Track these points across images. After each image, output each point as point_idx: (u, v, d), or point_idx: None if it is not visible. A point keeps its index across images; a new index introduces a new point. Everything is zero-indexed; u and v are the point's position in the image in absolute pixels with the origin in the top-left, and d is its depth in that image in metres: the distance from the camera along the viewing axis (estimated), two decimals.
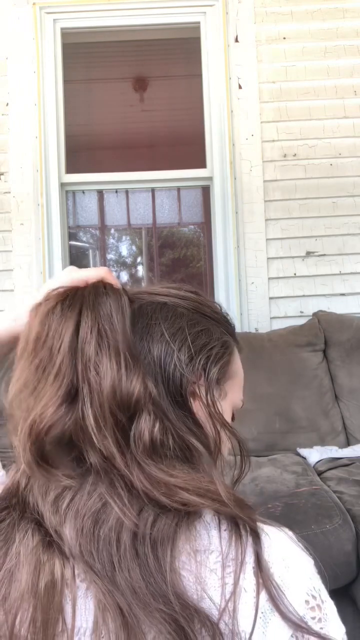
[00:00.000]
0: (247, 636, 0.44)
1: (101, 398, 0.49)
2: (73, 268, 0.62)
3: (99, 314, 0.53)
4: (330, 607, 0.47)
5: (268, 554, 0.47)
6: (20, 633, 0.44)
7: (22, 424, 0.50)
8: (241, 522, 0.48)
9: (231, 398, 0.61)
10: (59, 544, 0.47)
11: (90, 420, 0.49)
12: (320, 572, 0.49)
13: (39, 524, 0.48)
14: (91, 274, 0.59)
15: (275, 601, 0.44)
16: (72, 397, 0.50)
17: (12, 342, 0.61)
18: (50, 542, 0.47)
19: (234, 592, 0.45)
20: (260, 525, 0.50)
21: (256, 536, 0.47)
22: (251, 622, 0.44)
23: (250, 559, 0.46)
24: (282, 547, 0.48)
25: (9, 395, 0.52)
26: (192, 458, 0.52)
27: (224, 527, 0.48)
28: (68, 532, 0.47)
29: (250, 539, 0.47)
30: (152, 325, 0.57)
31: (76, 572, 0.46)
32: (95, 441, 0.48)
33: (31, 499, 0.50)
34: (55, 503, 0.49)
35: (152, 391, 0.52)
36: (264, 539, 0.48)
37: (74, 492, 0.49)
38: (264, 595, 0.45)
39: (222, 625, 0.44)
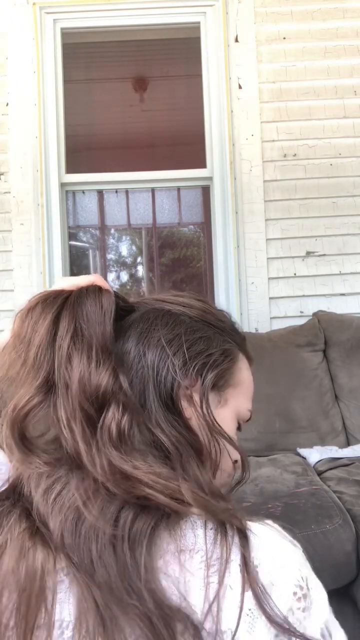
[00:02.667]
0: (232, 634, 0.44)
1: (70, 391, 0.51)
2: (65, 277, 0.65)
3: (77, 312, 0.55)
4: (316, 592, 0.47)
5: (255, 552, 0.47)
6: (2, 619, 0.44)
7: (6, 409, 0.53)
8: (227, 521, 0.48)
9: (234, 407, 0.61)
10: (45, 533, 0.48)
11: (61, 413, 0.51)
12: (308, 559, 0.50)
13: (28, 512, 0.49)
14: (81, 280, 0.61)
15: (261, 603, 0.45)
16: (48, 388, 0.53)
17: None
18: (36, 530, 0.48)
19: (218, 591, 0.45)
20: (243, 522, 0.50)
21: (243, 535, 0.47)
22: (236, 620, 0.44)
23: (236, 557, 0.46)
24: (268, 542, 0.48)
25: None
26: (170, 455, 0.52)
27: (210, 526, 0.48)
28: (52, 524, 0.48)
29: (236, 538, 0.47)
30: (151, 330, 0.58)
31: (58, 564, 0.46)
32: (64, 433, 0.50)
33: (26, 488, 0.51)
34: (45, 494, 0.50)
35: (124, 384, 0.53)
36: (250, 536, 0.48)
37: (62, 485, 0.50)
38: (249, 594, 0.45)
39: (207, 625, 0.44)
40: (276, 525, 0.51)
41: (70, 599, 0.46)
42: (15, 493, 0.52)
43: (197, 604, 0.45)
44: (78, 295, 0.57)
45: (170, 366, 0.56)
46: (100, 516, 0.47)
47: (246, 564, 0.46)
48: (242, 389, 0.63)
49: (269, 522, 0.51)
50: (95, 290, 0.58)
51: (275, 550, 0.48)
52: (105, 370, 0.52)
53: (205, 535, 0.48)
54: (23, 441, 0.52)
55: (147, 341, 0.57)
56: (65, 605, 0.45)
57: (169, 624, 0.43)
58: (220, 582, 0.45)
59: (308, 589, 0.47)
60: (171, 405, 0.55)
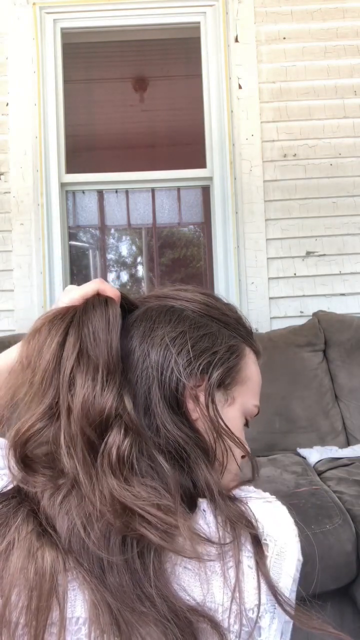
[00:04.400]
0: (257, 611, 0.46)
1: (73, 416, 0.50)
2: (72, 287, 0.63)
3: (83, 331, 0.53)
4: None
5: (261, 526, 0.50)
6: (12, 618, 0.44)
7: (10, 431, 0.53)
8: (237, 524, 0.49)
9: (242, 404, 0.60)
10: (52, 535, 0.47)
11: (63, 439, 0.50)
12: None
13: (34, 512, 0.49)
14: (87, 289, 0.60)
15: (275, 592, 0.47)
16: (52, 414, 0.52)
17: None
18: (43, 531, 0.48)
19: (237, 574, 0.47)
20: (249, 506, 0.52)
21: (256, 541, 0.48)
22: (257, 599, 0.46)
23: (248, 552, 0.48)
24: (269, 516, 0.52)
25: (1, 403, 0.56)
26: (164, 477, 0.50)
27: (220, 516, 0.49)
28: (60, 527, 0.48)
29: (249, 542, 0.48)
30: (155, 329, 0.57)
31: (67, 564, 0.46)
32: (64, 461, 0.49)
33: (30, 478, 0.51)
34: (52, 497, 0.49)
35: (128, 406, 0.51)
36: (256, 518, 0.51)
37: (67, 491, 0.50)
38: (264, 582, 0.47)
39: (233, 607, 0.46)
40: (273, 497, 0.54)
41: (83, 596, 0.46)
42: (22, 493, 0.52)
43: (216, 593, 0.46)
44: (84, 313, 0.55)
45: (175, 366, 0.55)
46: (103, 544, 0.46)
47: (258, 563, 0.47)
48: (250, 385, 0.61)
49: (268, 495, 0.54)
50: (101, 304, 0.56)
51: (277, 521, 0.51)
52: (110, 393, 0.51)
53: (217, 523, 0.48)
54: (25, 463, 0.51)
55: (150, 340, 0.56)
56: (78, 602, 0.46)
57: (186, 628, 0.44)
58: (237, 565, 0.47)
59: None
60: (176, 407, 0.54)
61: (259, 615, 0.46)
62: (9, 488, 0.54)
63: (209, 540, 0.47)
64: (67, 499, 0.49)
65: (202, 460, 0.53)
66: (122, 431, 0.50)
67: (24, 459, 0.51)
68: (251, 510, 0.50)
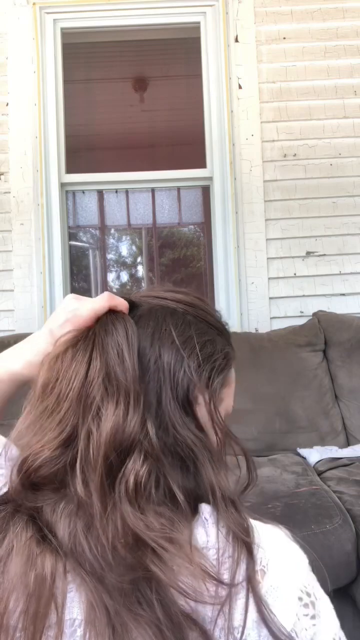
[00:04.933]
0: (240, 635, 0.45)
1: (99, 441, 0.49)
2: (74, 296, 0.62)
3: (109, 355, 0.53)
4: (324, 604, 0.48)
5: (264, 553, 0.48)
6: (10, 623, 0.44)
7: (18, 458, 0.52)
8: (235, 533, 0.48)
9: (225, 404, 0.62)
10: (52, 540, 0.47)
11: (79, 465, 0.50)
12: (315, 571, 0.50)
13: (33, 518, 0.49)
14: (96, 305, 0.59)
15: (264, 617, 0.45)
16: (70, 441, 0.51)
17: (22, 383, 0.65)
18: (43, 536, 0.47)
19: (230, 589, 0.45)
20: (255, 523, 0.51)
21: (249, 551, 0.48)
22: (242, 620, 0.45)
23: (242, 562, 0.47)
24: (277, 544, 0.49)
25: (13, 433, 0.54)
26: (175, 503, 0.50)
27: (221, 523, 0.49)
28: (61, 532, 0.47)
29: (244, 548, 0.47)
30: (163, 331, 0.58)
31: (67, 567, 0.46)
32: (78, 488, 0.49)
33: (31, 496, 0.51)
34: (53, 504, 0.49)
35: (150, 431, 0.51)
36: (258, 538, 0.49)
37: (67, 501, 0.50)
38: (252, 608, 0.45)
39: (219, 622, 0.45)
40: (287, 531, 0.51)
41: (80, 597, 0.46)
42: (17, 499, 0.51)
43: (208, 600, 0.46)
44: (105, 334, 0.55)
45: (187, 369, 0.56)
46: (115, 573, 0.46)
47: (250, 579, 0.46)
48: (232, 387, 0.64)
49: (281, 526, 0.51)
50: (121, 323, 0.56)
51: (285, 553, 0.49)
52: (135, 416, 0.51)
53: (218, 533, 0.48)
54: (31, 487, 0.51)
55: (161, 342, 0.57)
56: (75, 604, 0.46)
57: (178, 632, 0.44)
58: (232, 580, 0.46)
59: (315, 598, 0.47)
60: (187, 407, 0.55)
61: (243, 638, 0.45)
62: (3, 491, 0.53)
63: (219, 581, 0.46)
64: (68, 507, 0.49)
65: (209, 461, 0.53)
66: (142, 457, 0.50)
67: (31, 485, 0.51)
68: (255, 527, 0.50)
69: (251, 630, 0.45)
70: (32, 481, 0.51)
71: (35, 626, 0.44)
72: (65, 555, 0.46)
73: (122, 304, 0.59)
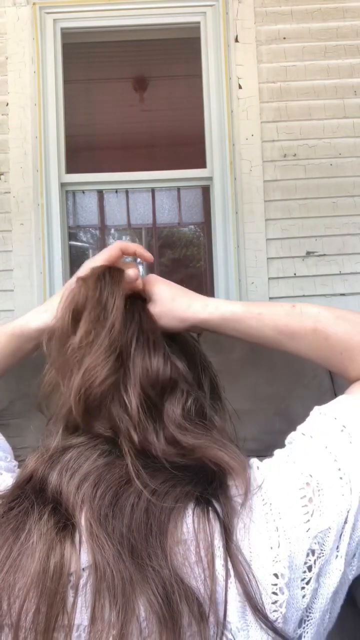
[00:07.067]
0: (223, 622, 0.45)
1: (135, 375, 0.56)
2: (89, 260, 0.70)
3: (138, 306, 0.64)
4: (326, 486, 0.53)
5: (260, 472, 0.57)
6: (23, 624, 0.44)
7: (75, 375, 0.56)
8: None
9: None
10: (74, 524, 0.47)
11: (126, 396, 0.55)
12: None
13: (55, 507, 0.49)
14: (111, 251, 0.68)
15: (247, 590, 0.45)
16: (118, 357, 0.56)
17: (40, 337, 0.67)
18: (65, 525, 0.47)
19: (213, 578, 0.46)
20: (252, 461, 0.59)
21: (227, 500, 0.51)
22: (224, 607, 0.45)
23: (219, 536, 0.47)
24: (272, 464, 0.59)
25: (71, 348, 0.58)
26: (213, 428, 0.60)
27: (195, 512, 0.49)
28: (84, 514, 0.48)
29: (218, 509, 0.49)
30: None
31: (82, 560, 0.46)
32: (119, 412, 0.54)
33: (52, 479, 0.51)
34: (60, 473, 0.51)
35: (182, 369, 0.60)
36: (254, 465, 0.58)
37: (76, 452, 0.52)
38: (232, 580, 0.46)
39: (211, 618, 0.45)
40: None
41: (86, 601, 0.45)
42: (36, 489, 0.51)
43: (201, 590, 0.46)
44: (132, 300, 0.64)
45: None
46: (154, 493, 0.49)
47: (227, 538, 0.47)
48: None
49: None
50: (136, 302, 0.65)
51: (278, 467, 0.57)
52: (163, 358, 0.59)
53: (193, 523, 0.48)
54: (90, 410, 0.55)
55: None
56: (81, 609, 0.45)
57: (179, 600, 0.44)
58: (211, 568, 0.46)
59: (317, 483, 0.53)
60: (216, 387, 0.68)
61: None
62: (10, 487, 0.53)
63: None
64: (78, 460, 0.52)
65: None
66: (185, 392, 0.58)
67: (90, 405, 0.55)
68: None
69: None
70: (92, 403, 0.55)
71: (46, 625, 0.44)
72: (80, 505, 0.48)
73: (132, 247, 0.69)
